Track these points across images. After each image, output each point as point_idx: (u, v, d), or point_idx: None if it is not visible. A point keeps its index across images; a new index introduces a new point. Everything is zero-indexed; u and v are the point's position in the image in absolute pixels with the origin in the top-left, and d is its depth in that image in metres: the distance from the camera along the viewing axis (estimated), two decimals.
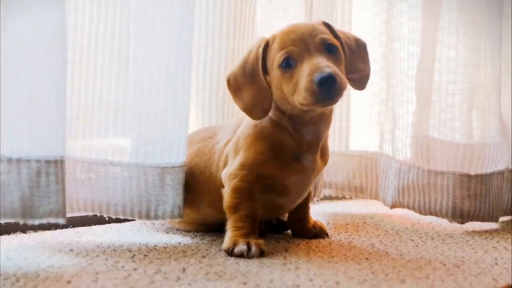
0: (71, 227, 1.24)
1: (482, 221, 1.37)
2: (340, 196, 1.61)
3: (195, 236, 1.20)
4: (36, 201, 0.96)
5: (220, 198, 1.09)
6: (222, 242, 1.07)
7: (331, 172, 1.57)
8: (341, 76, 0.99)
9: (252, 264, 0.97)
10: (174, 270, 0.93)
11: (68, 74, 1.12)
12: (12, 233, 1.16)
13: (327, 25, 1.09)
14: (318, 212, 1.50)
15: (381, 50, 1.52)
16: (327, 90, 0.97)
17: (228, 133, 1.15)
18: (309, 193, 1.21)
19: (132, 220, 1.26)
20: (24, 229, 1.17)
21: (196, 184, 1.15)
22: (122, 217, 1.14)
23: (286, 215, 1.25)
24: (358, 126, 1.63)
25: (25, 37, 0.95)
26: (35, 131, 0.97)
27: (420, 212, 1.40)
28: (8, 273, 0.89)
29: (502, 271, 0.98)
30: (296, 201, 1.15)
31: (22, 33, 0.95)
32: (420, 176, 1.39)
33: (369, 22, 1.57)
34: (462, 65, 1.41)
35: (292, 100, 1.02)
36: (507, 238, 1.26)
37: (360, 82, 1.11)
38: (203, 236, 1.20)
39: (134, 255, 1.02)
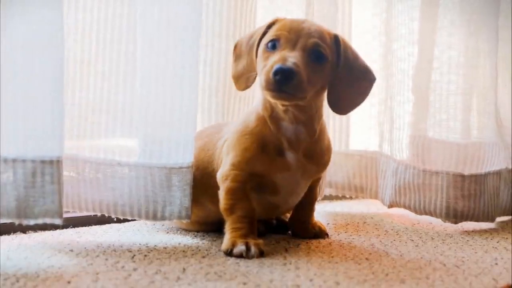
0: (71, 227, 1.24)
1: (477, 221, 1.37)
2: (340, 195, 1.61)
3: (195, 236, 1.20)
4: (31, 202, 0.96)
5: None
6: (222, 242, 1.07)
7: (331, 172, 1.57)
8: (303, 79, 0.98)
9: (252, 264, 0.97)
10: (174, 270, 0.93)
11: (76, 75, 1.13)
12: (12, 233, 1.16)
13: (335, 38, 1.08)
14: (318, 212, 1.50)
15: (380, 50, 1.53)
16: (279, 82, 0.97)
17: (229, 130, 1.15)
18: (313, 196, 1.21)
19: (134, 220, 1.26)
20: (24, 229, 1.17)
21: (200, 179, 1.15)
22: (129, 218, 1.14)
23: (288, 215, 1.25)
24: (358, 125, 1.62)
25: (21, 37, 0.95)
26: (31, 131, 0.97)
27: (416, 212, 1.40)
28: (8, 273, 0.89)
29: (502, 271, 0.98)
30: (289, 201, 1.15)
31: (18, 33, 0.95)
32: (416, 176, 1.39)
33: (368, 23, 1.57)
34: (458, 65, 1.41)
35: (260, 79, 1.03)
36: (507, 238, 1.27)
37: (343, 107, 1.11)
38: (203, 236, 1.20)
39: (134, 255, 1.02)
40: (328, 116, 1.54)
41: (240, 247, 1.02)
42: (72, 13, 1.13)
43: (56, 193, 0.98)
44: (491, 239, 1.25)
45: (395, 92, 1.46)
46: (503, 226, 1.41)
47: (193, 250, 1.07)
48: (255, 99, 1.38)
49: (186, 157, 1.13)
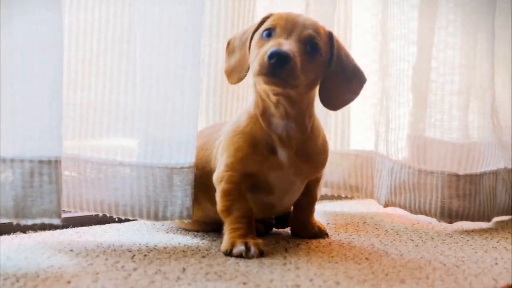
0: (71, 227, 1.24)
1: (472, 220, 1.38)
2: (336, 194, 1.61)
3: (195, 236, 1.20)
4: (30, 201, 0.96)
5: None
6: (221, 242, 1.07)
7: (327, 171, 1.56)
8: (297, 65, 0.98)
9: (252, 264, 0.97)
10: (174, 270, 0.93)
11: (78, 75, 1.14)
12: (12, 233, 1.16)
13: (330, 35, 1.08)
14: (318, 212, 1.50)
15: (378, 50, 1.53)
16: (274, 66, 0.96)
17: (225, 130, 1.15)
18: (313, 197, 1.21)
19: (134, 220, 1.26)
20: (24, 229, 1.17)
21: (199, 179, 1.15)
22: (131, 218, 1.15)
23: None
24: (354, 125, 1.63)
25: (20, 37, 0.95)
26: (30, 131, 0.96)
27: (411, 211, 1.41)
28: (8, 273, 0.89)
29: (502, 271, 0.98)
30: (284, 200, 1.14)
31: (17, 33, 0.95)
32: (412, 175, 1.39)
33: (368, 23, 1.57)
34: (456, 65, 1.41)
35: (251, 68, 1.03)
36: (507, 238, 1.27)
37: (334, 103, 1.11)
38: (203, 236, 1.20)
39: (134, 255, 1.02)
40: (330, 115, 1.55)
41: (239, 247, 1.02)
42: (73, 13, 1.13)
43: (54, 193, 0.98)
44: (491, 239, 1.25)
45: (391, 92, 1.46)
46: (503, 226, 1.41)
47: (193, 250, 1.07)
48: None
49: (187, 157, 1.13)
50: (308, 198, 1.20)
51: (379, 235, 1.26)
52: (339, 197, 1.71)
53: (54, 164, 0.98)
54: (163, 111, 1.12)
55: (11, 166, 0.95)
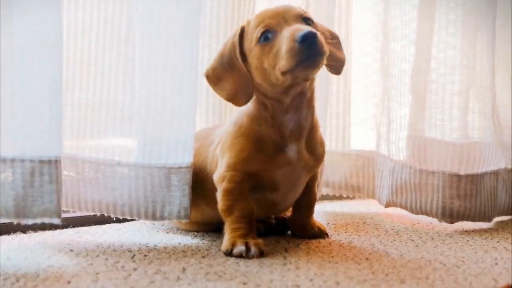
0: (71, 227, 1.24)
1: (473, 220, 1.37)
2: (337, 195, 1.61)
3: (195, 236, 1.20)
4: (30, 201, 0.96)
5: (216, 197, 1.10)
6: (222, 242, 1.07)
7: (328, 171, 1.57)
8: (321, 36, 0.99)
9: (252, 264, 0.97)
10: (174, 270, 0.93)
11: (76, 75, 1.14)
12: (12, 233, 1.16)
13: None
14: (318, 212, 1.50)
15: (380, 50, 1.53)
16: (309, 47, 0.96)
17: (221, 133, 1.15)
18: (312, 197, 1.21)
19: (134, 220, 1.26)
20: (24, 229, 1.17)
21: (195, 183, 1.15)
22: (129, 218, 1.15)
23: (289, 213, 1.25)
24: (356, 125, 1.63)
25: (20, 37, 0.95)
26: (30, 131, 0.97)
27: (412, 211, 1.41)
28: (8, 273, 0.89)
29: (502, 271, 0.98)
30: (288, 197, 1.14)
31: (17, 33, 0.95)
32: (413, 175, 1.39)
33: (369, 23, 1.57)
34: (456, 65, 1.41)
35: (274, 74, 1.02)
36: (507, 238, 1.26)
37: (337, 68, 1.12)
38: (203, 236, 1.20)
39: (134, 255, 1.02)
40: (330, 115, 1.55)
41: (240, 247, 1.02)
42: (72, 13, 1.13)
43: (55, 193, 0.98)
44: (491, 239, 1.25)
45: (393, 92, 1.46)
46: (503, 226, 1.41)
47: (193, 250, 1.07)
48: None
49: (185, 157, 1.13)
50: (308, 198, 1.20)
51: (379, 235, 1.26)
52: (339, 197, 1.71)
53: (54, 163, 0.98)
54: (161, 111, 1.12)
55: (11, 166, 0.96)
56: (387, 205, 1.45)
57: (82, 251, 1.04)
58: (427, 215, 1.39)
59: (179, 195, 1.13)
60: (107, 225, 1.27)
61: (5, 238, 1.13)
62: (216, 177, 1.10)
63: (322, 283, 0.88)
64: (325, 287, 0.86)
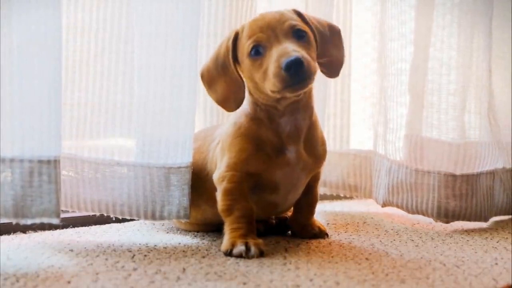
0: (71, 227, 1.24)
1: (469, 220, 1.38)
2: (334, 194, 1.61)
3: (195, 236, 1.20)
4: (29, 201, 0.96)
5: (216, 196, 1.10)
6: (222, 242, 1.06)
7: (326, 171, 1.57)
8: (309, 60, 0.99)
9: (252, 264, 0.97)
10: (174, 270, 0.93)
11: (75, 75, 1.14)
12: (12, 233, 1.16)
13: (297, 13, 1.09)
14: (318, 212, 1.49)
15: (378, 50, 1.53)
16: (295, 74, 0.97)
17: (221, 133, 1.15)
18: (313, 198, 1.21)
19: (134, 220, 1.26)
20: (24, 229, 1.17)
21: (195, 182, 1.15)
22: (128, 217, 1.15)
23: (289, 213, 1.25)
24: (354, 125, 1.63)
25: (19, 37, 0.95)
26: (29, 131, 0.97)
27: (408, 211, 1.41)
28: (8, 273, 0.89)
29: (502, 271, 0.98)
30: (288, 198, 1.14)
31: (16, 33, 0.95)
32: (409, 175, 1.39)
33: (369, 23, 1.57)
34: (452, 65, 1.41)
35: (263, 88, 1.03)
36: (507, 238, 1.26)
37: (333, 68, 1.11)
38: (203, 236, 1.20)
39: (134, 255, 1.02)
40: (328, 115, 1.55)
41: (239, 247, 1.02)
42: (71, 13, 1.13)
43: (54, 193, 0.98)
44: (491, 239, 1.25)
45: (390, 92, 1.46)
46: (503, 226, 1.41)
47: (193, 250, 1.07)
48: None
49: (184, 157, 1.13)
50: (309, 199, 1.20)
51: (379, 235, 1.26)
52: (339, 197, 1.71)
53: (53, 163, 0.98)
54: (160, 111, 1.12)
55: (10, 166, 0.96)
56: (383, 205, 1.45)
57: (82, 251, 1.04)
58: (423, 214, 1.39)
59: (178, 195, 1.13)
60: (107, 225, 1.27)
61: (5, 238, 1.13)
62: (215, 177, 1.10)
63: (322, 283, 0.88)
64: (325, 287, 0.86)
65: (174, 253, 1.04)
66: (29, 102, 0.97)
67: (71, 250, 1.04)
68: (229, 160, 1.08)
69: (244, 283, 0.87)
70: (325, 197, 1.67)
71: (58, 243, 1.10)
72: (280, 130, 1.08)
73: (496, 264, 1.03)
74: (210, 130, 1.23)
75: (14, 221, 0.96)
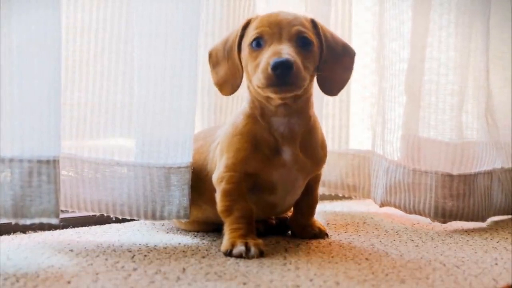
0: (71, 227, 1.24)
1: (466, 220, 1.38)
2: (333, 194, 1.61)
3: (195, 236, 1.20)
4: (28, 201, 0.96)
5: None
6: (221, 242, 1.06)
7: (325, 171, 1.56)
8: (300, 67, 0.99)
9: (252, 265, 0.97)
10: (174, 270, 0.93)
11: (75, 75, 1.14)
12: (12, 233, 1.16)
13: (313, 22, 1.09)
14: (318, 212, 1.49)
15: (377, 50, 1.53)
16: (281, 76, 0.97)
17: (221, 133, 1.15)
18: (314, 199, 1.21)
19: (134, 220, 1.26)
20: (24, 229, 1.17)
21: (196, 181, 1.15)
22: (128, 217, 1.15)
23: (290, 213, 1.25)
24: (354, 125, 1.62)
25: (19, 37, 0.95)
26: (28, 131, 0.97)
27: (406, 211, 1.41)
28: (8, 273, 0.89)
29: (502, 271, 0.98)
30: (286, 199, 1.14)
31: (16, 33, 0.95)
32: (406, 175, 1.40)
33: (369, 23, 1.57)
34: (450, 65, 1.42)
35: (252, 80, 1.03)
36: (507, 238, 1.26)
37: (332, 87, 1.11)
38: (203, 236, 1.20)
39: (134, 255, 1.02)
40: (326, 115, 1.55)
41: (239, 248, 1.02)
42: (71, 13, 1.13)
43: (53, 193, 0.98)
44: (491, 239, 1.25)
45: (389, 92, 1.46)
46: (503, 226, 1.41)
47: (193, 250, 1.07)
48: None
49: (184, 157, 1.13)
50: (309, 200, 1.20)
51: (379, 235, 1.26)
52: (339, 197, 1.71)
53: (52, 163, 0.98)
54: (160, 111, 1.12)
55: (9, 166, 0.96)
56: (381, 205, 1.45)
57: (82, 251, 1.04)
58: (420, 214, 1.39)
59: (178, 195, 1.13)
60: (107, 225, 1.27)
61: (5, 238, 1.13)
62: (214, 178, 1.10)
63: (322, 283, 0.88)
64: (325, 287, 0.86)
65: (174, 253, 1.04)
66: (29, 102, 0.96)
67: (71, 250, 1.04)
68: (227, 161, 1.08)
69: (244, 283, 0.87)
70: (325, 197, 1.67)
71: (58, 243, 1.10)
72: (273, 129, 1.08)
73: (496, 264, 1.03)
74: (211, 131, 1.23)
75: (13, 221, 0.96)
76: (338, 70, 1.11)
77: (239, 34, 1.08)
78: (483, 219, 1.40)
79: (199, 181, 1.15)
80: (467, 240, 1.23)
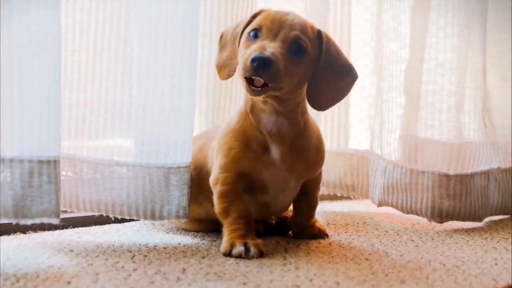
0: (71, 228, 1.24)
1: (463, 220, 1.38)
2: (331, 193, 1.61)
3: (195, 236, 1.20)
4: (29, 201, 0.96)
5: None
6: (221, 243, 1.06)
7: (324, 170, 1.56)
8: (280, 70, 0.98)
9: (252, 265, 0.97)
10: (174, 270, 0.93)
11: (74, 75, 1.14)
12: (12, 234, 1.16)
13: (318, 34, 1.07)
14: (318, 212, 1.49)
15: (375, 50, 1.53)
16: (256, 69, 0.97)
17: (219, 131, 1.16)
18: (313, 202, 1.20)
19: (133, 220, 1.26)
20: (24, 229, 1.17)
21: (197, 179, 1.16)
22: (127, 217, 1.15)
23: (290, 215, 1.25)
24: (353, 125, 1.62)
25: (18, 37, 0.95)
26: (28, 131, 0.96)
27: (403, 211, 1.41)
28: (8, 274, 0.89)
29: (502, 271, 0.98)
30: (279, 200, 1.14)
31: (16, 33, 0.95)
32: (404, 175, 1.40)
33: (368, 23, 1.57)
34: (448, 66, 1.42)
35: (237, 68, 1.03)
36: (507, 238, 1.27)
37: (322, 103, 1.10)
38: (203, 236, 1.20)
39: (134, 255, 1.02)
40: (325, 115, 1.55)
41: (239, 248, 1.02)
42: (70, 13, 1.13)
43: (54, 193, 0.98)
44: (491, 239, 1.25)
45: (386, 92, 1.46)
46: (503, 226, 1.41)
47: (193, 251, 1.07)
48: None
49: (184, 157, 1.13)
50: (309, 202, 1.20)
51: (379, 235, 1.26)
52: (339, 198, 1.71)
53: (53, 164, 0.98)
54: (159, 111, 1.12)
55: (10, 166, 0.95)
56: (379, 205, 1.45)
57: (82, 252, 1.04)
58: (417, 214, 1.39)
59: (178, 195, 1.13)
60: (107, 225, 1.27)
61: (5, 238, 1.13)
62: (211, 180, 1.10)
63: (322, 284, 0.88)
64: (325, 287, 0.86)
65: (174, 254, 1.04)
66: (28, 102, 0.96)
67: (71, 251, 1.04)
68: (221, 161, 1.09)
69: (244, 284, 0.87)
70: (325, 197, 1.67)
71: (58, 243, 1.10)
72: (261, 126, 1.08)
73: (496, 264, 1.03)
74: (214, 129, 1.24)
75: (14, 221, 0.96)
76: (332, 88, 1.09)
77: (247, 21, 1.08)
78: (479, 219, 1.40)
79: (200, 178, 1.16)
80: (467, 240, 1.23)
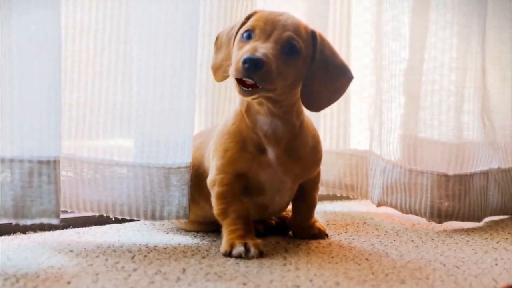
0: (71, 228, 1.24)
1: (462, 220, 1.38)
2: (331, 193, 1.61)
3: (195, 236, 1.20)
4: (29, 201, 0.96)
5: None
6: (221, 243, 1.06)
7: (323, 170, 1.56)
8: (272, 69, 0.98)
9: (252, 265, 0.97)
10: (174, 270, 0.93)
11: (74, 75, 1.14)
12: (12, 234, 1.16)
13: (313, 34, 1.07)
14: (318, 212, 1.50)
15: (375, 51, 1.53)
16: (247, 70, 0.96)
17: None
18: (311, 203, 1.20)
19: (134, 220, 1.26)
20: (24, 229, 1.17)
21: (195, 178, 1.16)
22: (128, 218, 1.15)
23: (290, 215, 1.25)
24: (353, 125, 1.62)
25: (19, 37, 0.95)
26: (28, 131, 0.96)
27: (402, 211, 1.41)
28: (8, 274, 0.89)
29: (502, 271, 0.98)
30: (276, 201, 1.14)
31: (16, 33, 0.95)
32: (403, 175, 1.40)
33: (368, 23, 1.57)
34: (447, 66, 1.42)
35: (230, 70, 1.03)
36: (507, 238, 1.27)
37: (316, 103, 1.09)
38: (203, 236, 1.20)
39: (134, 255, 1.02)
40: (324, 115, 1.55)
41: (238, 248, 1.02)
42: (70, 13, 1.13)
43: (53, 193, 0.98)
44: (491, 240, 1.25)
45: (386, 93, 1.46)
46: (503, 226, 1.41)
47: (193, 251, 1.07)
48: None
49: (184, 157, 1.13)
50: (307, 203, 1.20)
51: (379, 235, 1.26)
52: (339, 198, 1.71)
53: (53, 164, 0.98)
54: (159, 111, 1.12)
55: (10, 166, 0.96)
56: (378, 205, 1.45)
57: (82, 252, 1.03)
58: (416, 214, 1.39)
59: (178, 195, 1.13)
60: (107, 225, 1.27)
61: (5, 238, 1.13)
62: (208, 181, 1.10)
63: (322, 284, 0.88)
64: (325, 287, 0.86)
65: (174, 254, 1.04)
66: (28, 102, 0.96)
67: (71, 251, 1.04)
68: (217, 162, 1.09)
69: (244, 284, 0.86)
70: (325, 197, 1.67)
71: (58, 243, 1.10)
72: (257, 127, 1.08)
73: (496, 264, 1.03)
74: (212, 128, 1.24)
75: (14, 222, 0.96)
76: (327, 89, 1.09)
77: (241, 23, 1.08)
78: (479, 219, 1.41)
79: (197, 177, 1.15)
80: (467, 241, 1.23)
